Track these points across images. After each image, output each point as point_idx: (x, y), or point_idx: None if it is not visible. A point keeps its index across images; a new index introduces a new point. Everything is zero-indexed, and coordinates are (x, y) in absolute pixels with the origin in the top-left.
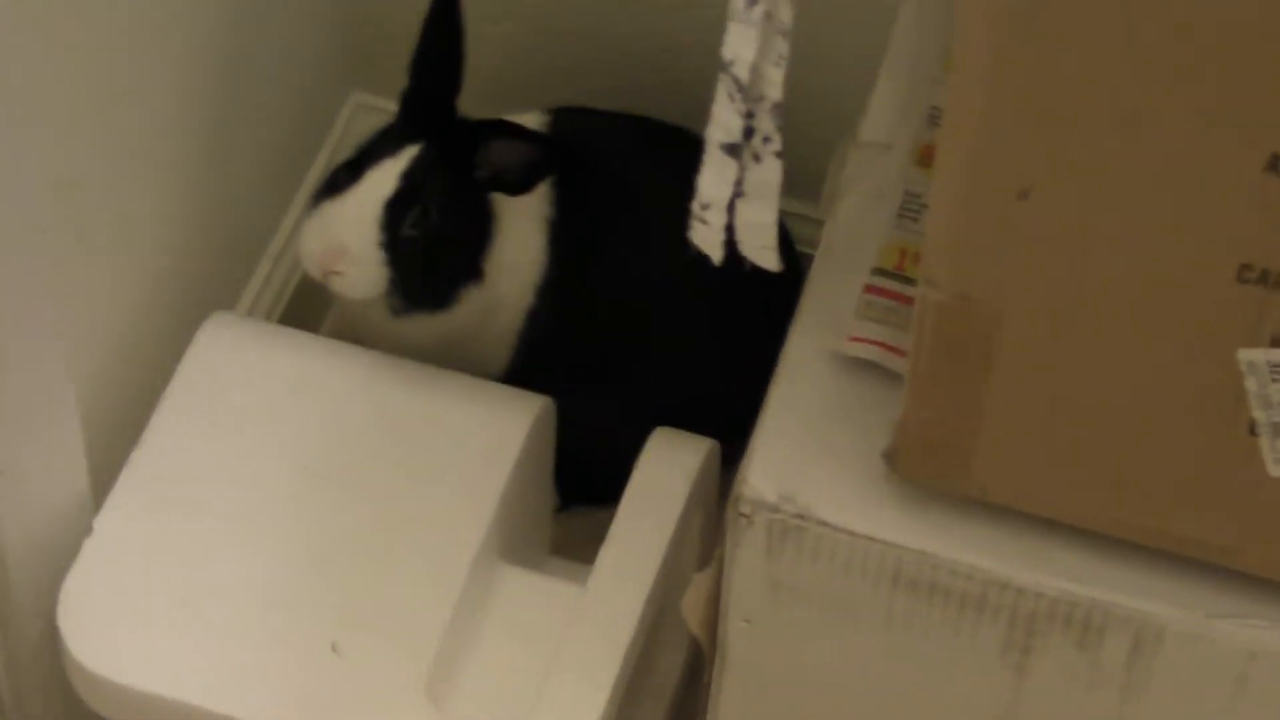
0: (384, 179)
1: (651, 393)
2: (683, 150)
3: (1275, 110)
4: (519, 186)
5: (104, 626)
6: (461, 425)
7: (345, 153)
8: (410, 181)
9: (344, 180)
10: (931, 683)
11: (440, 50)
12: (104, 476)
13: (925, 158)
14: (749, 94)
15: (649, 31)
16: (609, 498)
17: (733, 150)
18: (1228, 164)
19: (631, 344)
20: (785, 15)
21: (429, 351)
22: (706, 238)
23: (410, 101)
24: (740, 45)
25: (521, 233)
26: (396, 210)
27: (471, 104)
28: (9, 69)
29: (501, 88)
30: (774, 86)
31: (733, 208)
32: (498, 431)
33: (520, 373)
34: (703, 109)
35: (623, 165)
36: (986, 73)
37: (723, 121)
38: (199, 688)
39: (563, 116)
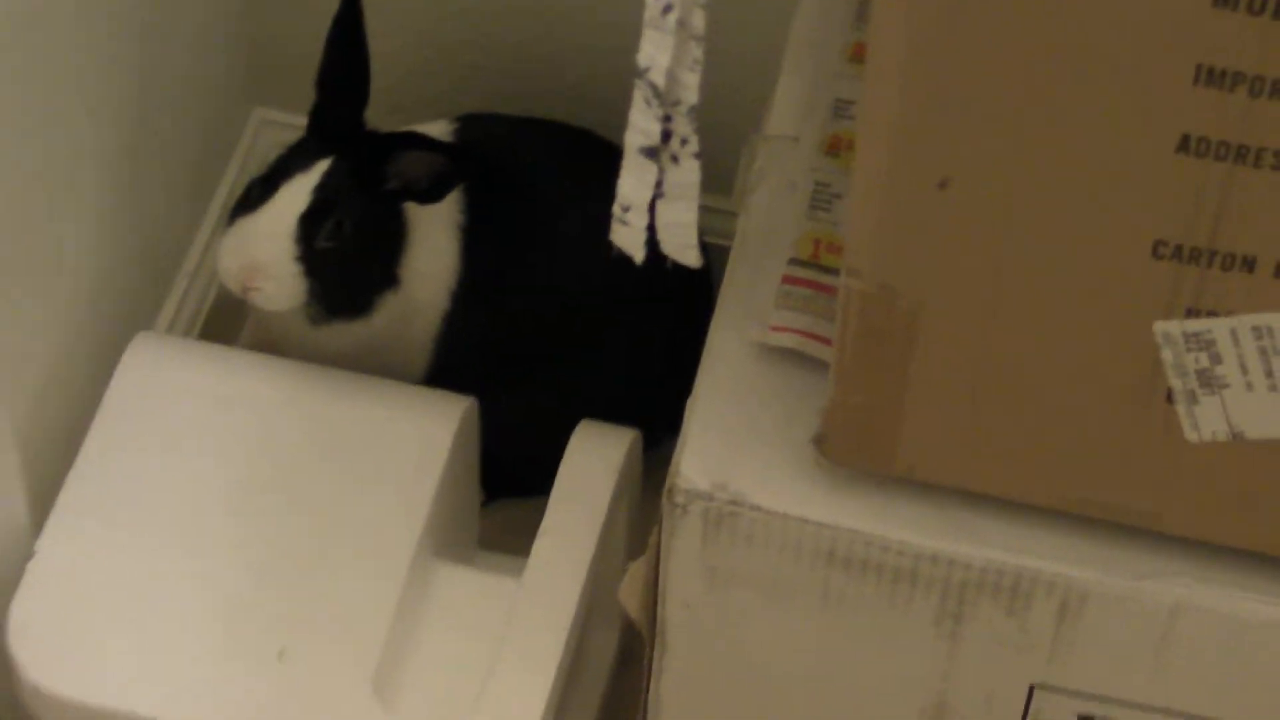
0: (297, 194)
1: (570, 388)
2: (590, 152)
3: (1184, 92)
4: (429, 196)
5: (54, 646)
6: (390, 429)
7: (252, 169)
8: (323, 195)
9: (258, 196)
10: (868, 656)
11: (345, 65)
12: (42, 501)
13: (833, 148)
14: (665, 99)
15: (548, 36)
16: (532, 490)
17: (651, 153)
18: (1141, 146)
19: (549, 342)
20: (698, 21)
21: (349, 358)
22: (628, 239)
23: (319, 117)
24: (656, 51)
25: (435, 239)
26: (311, 224)
27: (379, 116)
28: None
29: (407, 98)
30: (690, 91)
31: (653, 209)
32: (426, 433)
33: (440, 375)
34: (606, 111)
35: (531, 169)
36: (903, 67)
37: (640, 126)
38: (151, 701)
39: (469, 124)
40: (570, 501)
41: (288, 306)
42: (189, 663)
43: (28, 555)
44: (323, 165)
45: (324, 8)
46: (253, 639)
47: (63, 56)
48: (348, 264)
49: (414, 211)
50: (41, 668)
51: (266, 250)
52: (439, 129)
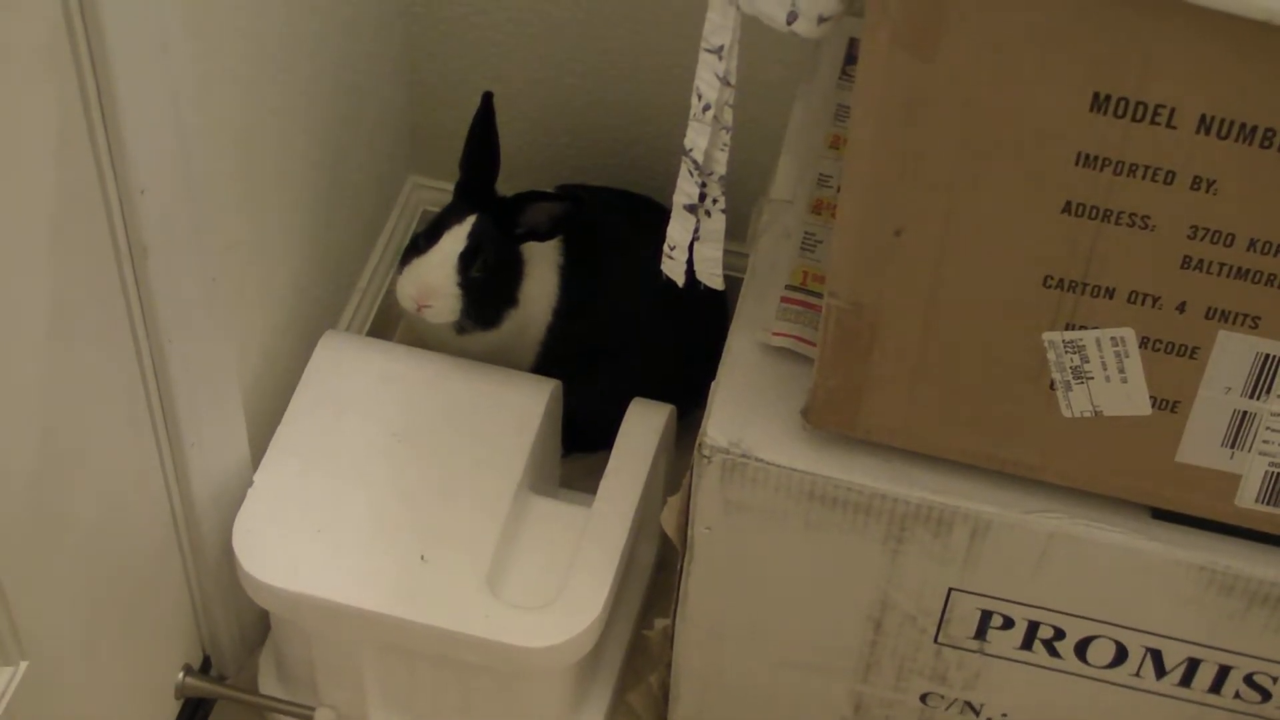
0: (457, 239)
1: (626, 377)
2: (646, 211)
3: (1069, 170)
4: (547, 235)
5: (264, 547)
6: (500, 402)
7: (408, 218)
8: (474, 240)
9: (424, 244)
10: (835, 564)
11: (482, 150)
12: (259, 446)
13: (817, 208)
14: (702, 170)
15: (619, 127)
16: (597, 447)
17: (691, 209)
18: (1037, 208)
19: (614, 345)
20: (727, 117)
21: (479, 356)
22: (673, 269)
23: (463, 187)
24: (697, 137)
25: (542, 274)
26: (467, 260)
27: (500, 184)
28: (213, 194)
29: (520, 171)
30: (720, 165)
31: (691, 248)
32: (526, 404)
33: (541, 367)
34: (657, 181)
35: (607, 224)
36: (872, 152)
37: (684, 189)
38: (330, 587)
39: (564, 190)
40: (625, 455)
41: (450, 320)
42: (356, 562)
43: (248, 484)
44: (471, 219)
45: (461, 104)
46: (403, 546)
47: (287, 139)
48: (489, 289)
49: (529, 252)
50: (255, 562)
51: (437, 278)
52: None
